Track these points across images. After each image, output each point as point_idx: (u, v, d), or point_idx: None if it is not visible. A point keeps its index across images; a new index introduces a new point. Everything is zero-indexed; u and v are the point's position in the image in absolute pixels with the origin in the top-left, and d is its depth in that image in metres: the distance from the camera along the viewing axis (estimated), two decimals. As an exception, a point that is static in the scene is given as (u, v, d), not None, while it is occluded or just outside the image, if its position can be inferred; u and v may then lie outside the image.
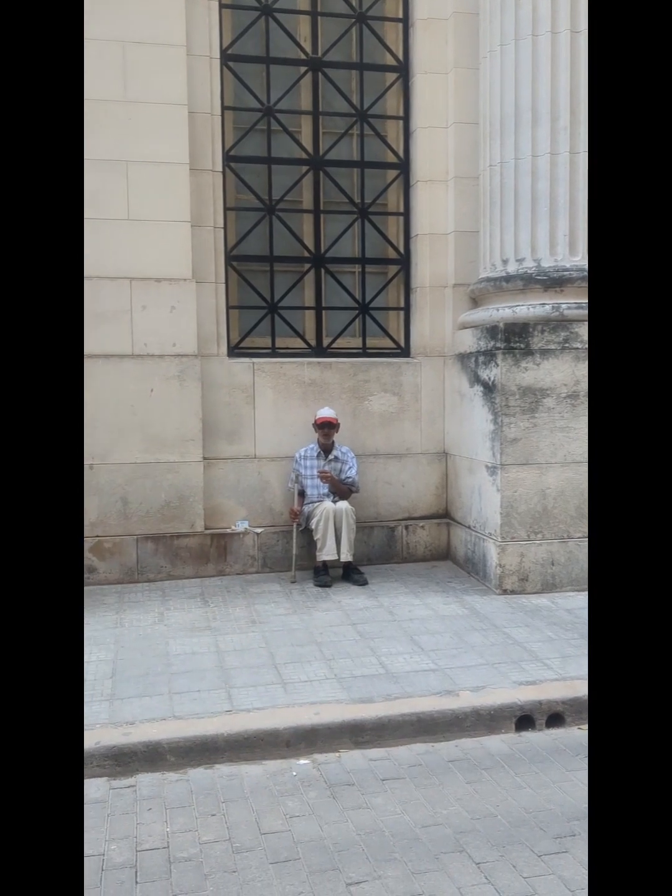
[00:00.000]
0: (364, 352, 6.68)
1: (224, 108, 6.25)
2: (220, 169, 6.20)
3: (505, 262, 5.93)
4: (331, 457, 6.09)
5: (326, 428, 6.00)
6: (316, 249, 6.60)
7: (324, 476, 5.96)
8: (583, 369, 5.62)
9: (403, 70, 6.62)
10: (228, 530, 6.22)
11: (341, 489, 6.06)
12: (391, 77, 6.65)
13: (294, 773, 3.48)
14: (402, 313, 6.81)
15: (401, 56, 6.61)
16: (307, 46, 6.48)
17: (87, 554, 5.87)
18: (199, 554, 6.11)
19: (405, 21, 6.58)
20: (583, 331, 5.64)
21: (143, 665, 4.35)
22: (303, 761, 3.58)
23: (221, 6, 6.18)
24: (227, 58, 6.28)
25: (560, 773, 3.47)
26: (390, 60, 6.64)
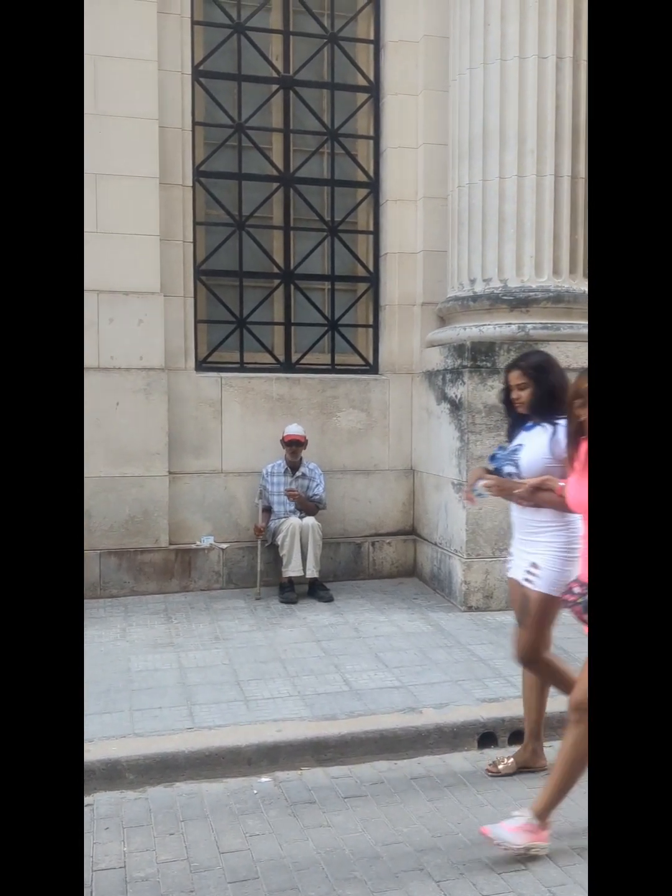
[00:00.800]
0: (332, 368, 6.70)
1: (195, 123, 6.27)
2: (191, 184, 6.21)
3: (472, 281, 5.99)
4: (298, 473, 6.08)
5: (294, 446, 5.99)
6: (285, 265, 6.61)
7: (291, 494, 5.95)
8: (548, 388, 5.66)
9: (374, 90, 6.69)
10: (193, 546, 6.17)
11: (308, 506, 6.04)
12: (362, 97, 6.72)
13: (255, 791, 3.44)
14: (370, 330, 6.85)
15: (372, 77, 6.69)
16: (279, 65, 6.53)
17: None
18: (163, 569, 6.06)
19: (376, 43, 6.66)
20: (548, 350, 5.68)
21: (103, 681, 4.29)
22: (264, 779, 3.55)
23: (194, 23, 6.21)
24: (198, 74, 6.30)
25: (522, 790, 3.46)
26: (361, 81, 6.70)
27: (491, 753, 3.80)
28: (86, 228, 5.73)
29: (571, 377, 5.55)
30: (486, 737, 3.87)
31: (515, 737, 3.89)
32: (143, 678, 4.36)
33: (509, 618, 5.48)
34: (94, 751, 3.51)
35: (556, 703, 4.08)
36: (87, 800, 3.34)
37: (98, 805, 3.31)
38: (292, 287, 6.65)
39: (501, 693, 4.17)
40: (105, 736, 3.64)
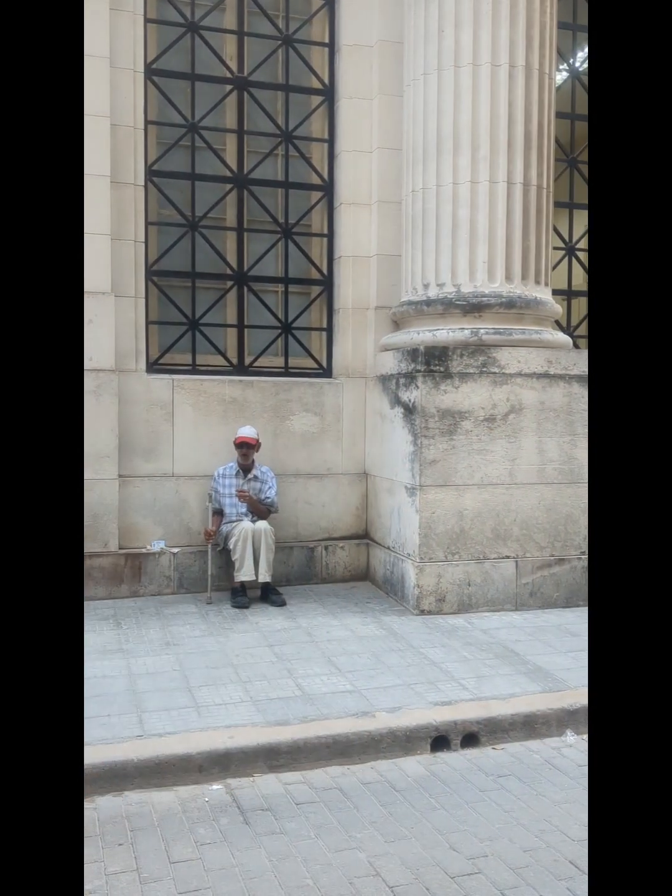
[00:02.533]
0: (286, 371, 6.67)
1: (147, 122, 6.19)
2: (143, 183, 6.13)
3: (426, 286, 6.02)
4: (250, 476, 6.03)
5: (244, 448, 5.94)
6: (239, 267, 6.57)
7: (242, 495, 5.90)
8: (500, 393, 5.73)
9: (329, 94, 6.68)
10: (144, 550, 6.08)
11: (260, 509, 6.00)
12: (316, 100, 6.71)
13: (206, 799, 3.39)
14: (324, 334, 6.83)
15: (326, 80, 6.68)
16: (233, 65, 6.48)
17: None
18: (112, 574, 5.95)
19: (331, 46, 6.66)
20: (500, 355, 5.75)
21: (50, 689, 4.19)
22: (216, 787, 3.49)
23: (147, 20, 6.13)
24: (151, 72, 6.23)
25: (474, 793, 3.47)
26: (316, 84, 6.69)
27: (443, 756, 3.80)
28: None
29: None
30: (439, 740, 3.87)
31: (468, 740, 3.90)
32: (91, 685, 4.27)
33: (461, 621, 5.52)
34: (40, 761, 3.42)
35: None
36: (32, 811, 3.25)
37: (44, 816, 3.23)
38: (245, 289, 6.60)
39: (454, 696, 4.18)
40: (51, 745, 3.55)
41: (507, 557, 5.80)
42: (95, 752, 3.50)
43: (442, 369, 5.66)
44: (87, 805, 3.31)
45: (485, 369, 5.73)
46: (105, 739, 3.62)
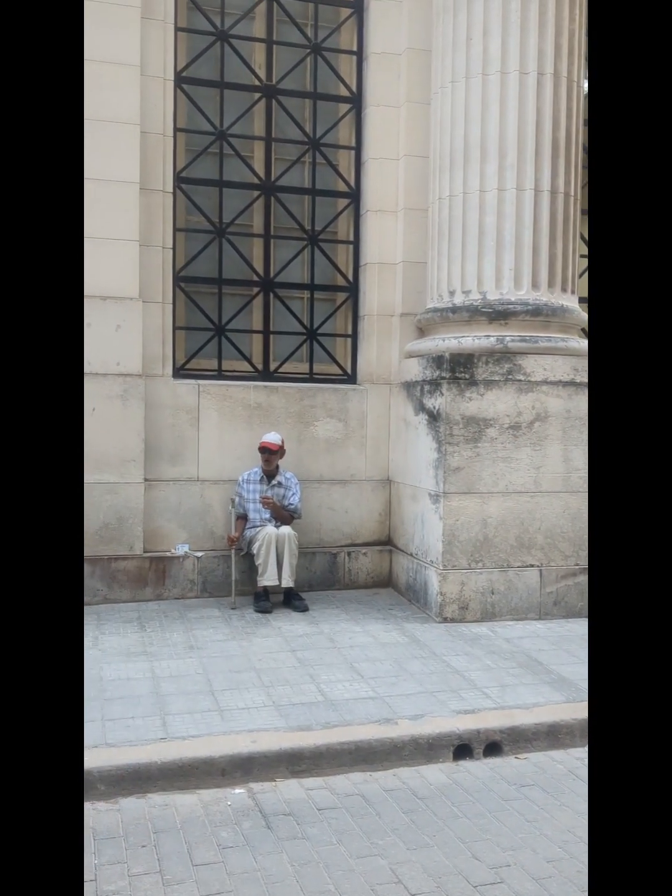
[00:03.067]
0: (311, 377, 6.69)
1: (176, 129, 6.25)
2: (171, 190, 6.19)
3: (452, 293, 6.02)
4: (274, 482, 6.05)
5: (266, 453, 5.96)
6: (265, 274, 6.60)
7: (266, 501, 5.92)
8: (525, 401, 5.71)
9: (356, 101, 6.71)
10: (168, 554, 6.12)
11: (283, 515, 6.02)
12: (344, 108, 6.74)
13: (229, 803, 3.40)
14: (349, 340, 6.85)
15: (354, 88, 6.71)
16: (262, 73, 6.53)
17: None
18: (136, 577, 5.99)
19: (359, 54, 6.69)
20: (526, 363, 5.74)
21: (75, 690, 4.23)
22: (238, 791, 3.51)
23: (177, 29, 6.19)
24: (181, 80, 6.29)
25: (497, 803, 3.46)
26: (344, 91, 6.73)
27: (466, 765, 3.79)
28: (64, 232, 5.68)
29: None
30: (462, 748, 3.86)
31: (491, 749, 3.89)
32: (115, 687, 4.30)
33: (485, 629, 5.50)
34: (65, 761, 3.45)
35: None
36: (57, 811, 3.28)
37: (68, 817, 3.26)
38: (272, 295, 6.64)
39: (477, 705, 4.16)
40: (76, 746, 3.58)
41: (532, 566, 5.77)
42: (120, 754, 3.53)
43: (467, 376, 5.65)
44: (110, 806, 3.34)
45: (510, 377, 5.71)
46: (129, 741, 3.65)
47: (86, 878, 2.84)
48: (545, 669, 4.72)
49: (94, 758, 3.49)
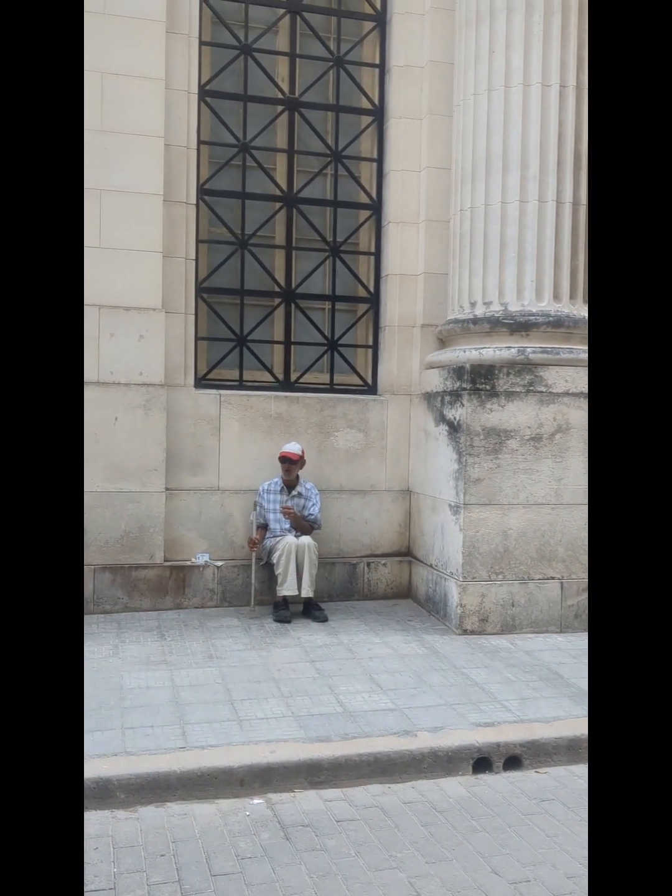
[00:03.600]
0: (331, 388, 6.71)
1: (200, 142, 6.31)
2: (194, 202, 6.24)
3: (473, 304, 6.02)
4: (294, 492, 6.07)
5: (287, 463, 5.97)
6: (286, 285, 6.64)
7: (287, 512, 5.94)
8: (546, 412, 5.69)
9: (378, 114, 6.75)
10: (188, 563, 6.14)
11: (303, 525, 6.03)
12: (366, 120, 6.77)
13: (247, 813, 3.40)
14: (370, 351, 6.86)
15: (376, 100, 6.75)
16: (284, 86, 6.58)
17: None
18: (157, 586, 6.02)
19: (382, 67, 6.73)
20: (547, 374, 5.72)
21: (95, 698, 4.25)
22: (257, 801, 3.51)
23: (201, 43, 6.26)
24: (204, 93, 6.35)
25: (517, 817, 3.43)
26: (366, 104, 6.76)
27: (486, 778, 3.77)
28: (89, 243, 5.75)
29: (571, 401, 5.56)
30: (481, 762, 3.84)
31: (511, 762, 3.86)
32: (135, 696, 4.32)
33: (505, 642, 5.47)
34: (85, 769, 3.46)
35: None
36: (77, 819, 3.29)
37: (88, 824, 3.27)
38: (293, 306, 6.67)
39: (497, 717, 4.14)
40: (96, 754, 3.60)
41: (552, 578, 5.74)
42: (139, 763, 3.55)
43: (488, 387, 5.65)
44: (130, 815, 3.35)
45: (531, 388, 5.70)
46: (149, 750, 3.66)
47: (105, 886, 2.85)
48: (566, 683, 4.69)
49: (114, 766, 3.50)
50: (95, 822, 3.29)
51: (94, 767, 3.48)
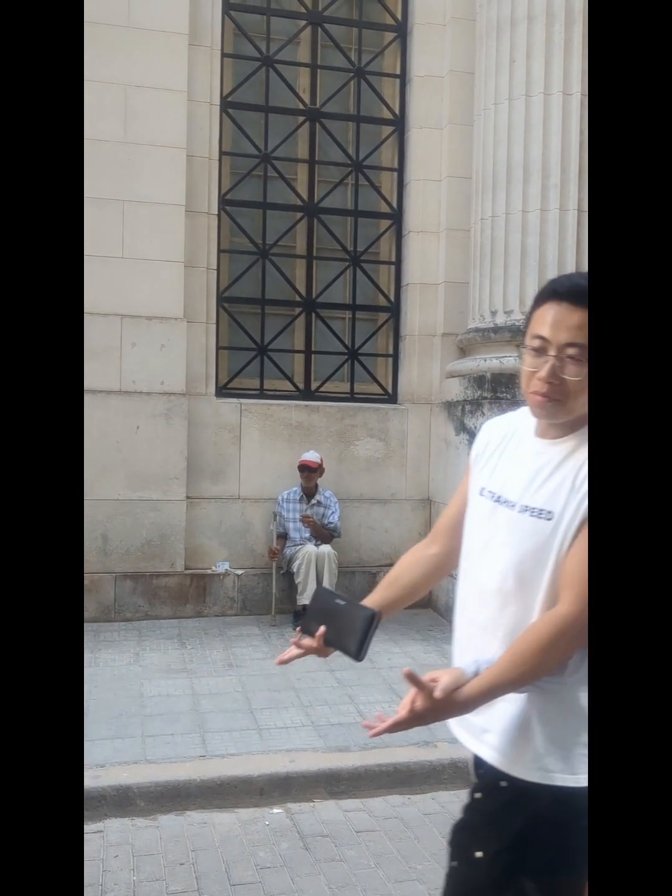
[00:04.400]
0: (352, 397, 6.71)
1: (222, 153, 6.36)
2: (216, 212, 6.28)
3: (494, 313, 6.01)
4: (313, 501, 6.07)
5: (306, 471, 5.99)
6: (307, 294, 6.66)
7: (306, 520, 5.94)
8: (568, 422, 5.66)
9: (399, 124, 6.77)
10: (209, 571, 6.16)
11: (323, 534, 6.03)
12: (387, 130, 6.79)
13: (267, 823, 3.40)
14: (390, 360, 6.86)
15: (397, 110, 6.77)
16: (306, 97, 6.62)
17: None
18: (177, 594, 6.04)
19: (402, 77, 6.75)
20: (569, 384, 5.69)
21: (116, 706, 4.27)
22: (276, 810, 3.51)
23: (223, 55, 6.32)
24: (226, 105, 6.40)
25: (537, 829, 3.40)
26: (387, 114, 6.78)
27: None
28: (112, 254, 5.80)
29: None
30: (502, 773, 3.81)
31: (531, 774, 3.83)
32: (155, 704, 4.34)
33: (525, 652, 5.43)
34: (106, 777, 3.48)
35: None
36: (97, 826, 3.31)
37: (108, 832, 3.28)
38: (314, 315, 6.69)
39: (517, 729, 4.11)
40: (117, 762, 3.61)
41: (574, 589, 5.69)
42: (160, 771, 3.56)
43: (509, 397, 5.63)
44: (149, 823, 3.36)
45: (552, 397, 5.67)
46: (169, 758, 3.67)
47: (124, 894, 2.86)
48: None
49: (134, 774, 3.52)
50: (115, 830, 3.30)
51: (115, 775, 3.50)
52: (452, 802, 3.61)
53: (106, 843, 3.20)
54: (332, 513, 6.10)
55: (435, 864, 3.12)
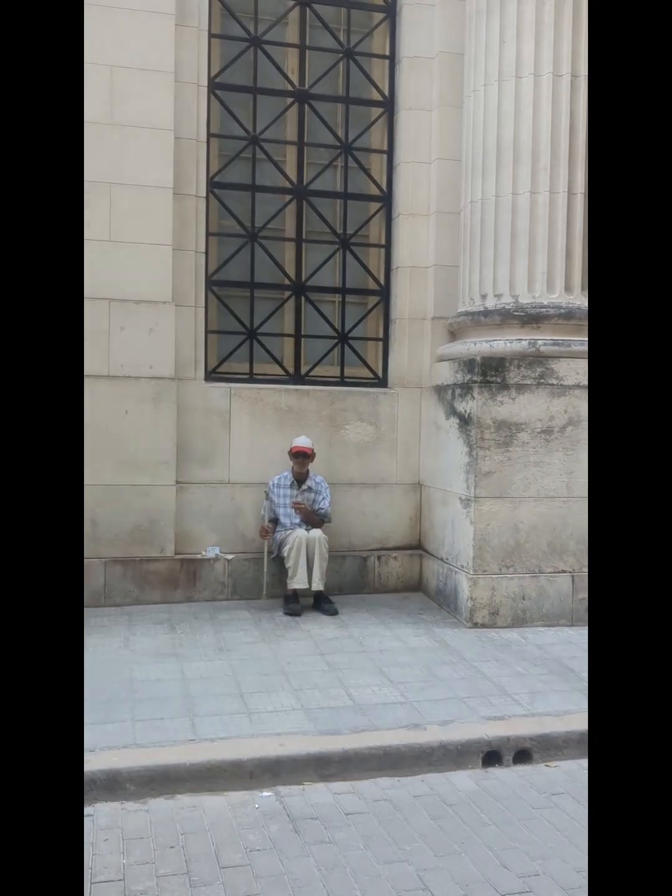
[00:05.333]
0: (342, 381, 6.69)
1: (210, 135, 6.30)
2: (204, 195, 6.23)
3: (484, 296, 5.99)
4: (304, 487, 6.06)
5: (301, 457, 5.97)
6: (297, 277, 6.62)
7: (298, 507, 5.94)
8: (557, 405, 5.66)
9: (388, 105, 6.71)
10: (199, 556, 6.16)
11: (314, 520, 6.02)
12: (376, 112, 6.74)
13: (256, 806, 3.41)
14: (380, 344, 6.84)
15: (386, 92, 6.71)
16: (294, 78, 6.56)
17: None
18: (167, 579, 6.03)
19: (392, 58, 6.69)
20: (558, 367, 5.69)
21: (106, 691, 4.27)
22: (266, 793, 3.51)
23: (211, 35, 6.24)
24: (214, 86, 6.33)
25: (527, 811, 3.43)
26: (376, 96, 6.73)
27: (495, 772, 3.76)
28: (100, 237, 5.75)
29: (583, 394, 5.53)
30: (492, 755, 3.83)
31: (521, 756, 3.86)
32: (145, 688, 4.34)
33: (515, 635, 5.46)
34: (96, 761, 3.48)
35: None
36: (87, 810, 3.31)
37: (98, 816, 3.29)
38: (303, 299, 6.65)
39: (507, 711, 4.13)
40: (106, 746, 3.61)
41: (564, 572, 5.72)
42: (149, 755, 3.56)
43: (498, 380, 5.62)
44: (139, 806, 3.37)
45: (542, 381, 5.67)
46: (159, 742, 3.67)
47: (114, 877, 2.87)
48: (577, 677, 4.67)
49: (124, 758, 3.52)
50: (105, 813, 3.31)
51: (105, 759, 3.50)
52: (442, 784, 3.64)
53: (96, 827, 3.20)
54: (324, 498, 6.09)
55: (424, 845, 3.13)
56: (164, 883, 2.85)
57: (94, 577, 5.84)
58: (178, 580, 6.06)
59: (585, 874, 2.96)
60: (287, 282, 6.62)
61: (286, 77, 6.54)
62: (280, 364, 6.61)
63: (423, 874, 2.94)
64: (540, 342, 5.74)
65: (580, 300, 5.83)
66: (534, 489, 5.64)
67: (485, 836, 3.21)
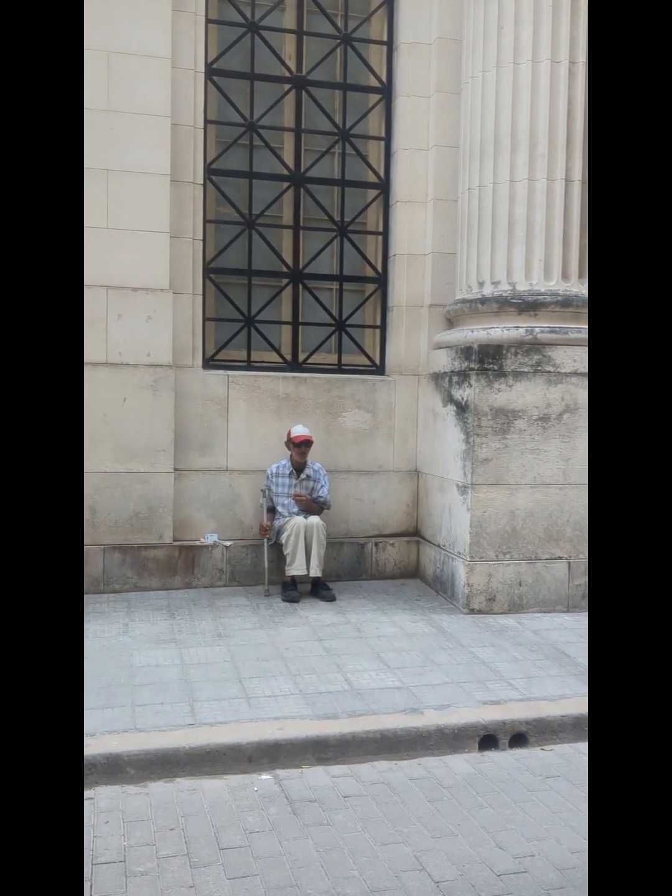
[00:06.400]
0: (339, 368, 6.70)
1: (207, 121, 6.28)
2: (201, 182, 6.22)
3: (481, 284, 5.99)
4: (303, 475, 6.08)
5: (303, 447, 5.98)
6: (294, 265, 6.62)
7: (298, 499, 5.96)
8: (554, 392, 5.68)
9: (386, 92, 6.69)
10: (197, 543, 6.18)
11: (313, 508, 6.05)
12: (374, 98, 6.72)
13: (255, 789, 3.45)
14: (377, 331, 6.85)
15: (384, 78, 6.69)
16: (292, 64, 6.54)
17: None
18: (166, 566, 6.07)
19: (389, 44, 6.67)
20: (555, 354, 5.71)
21: (105, 676, 4.30)
22: (264, 777, 3.55)
23: (208, 21, 6.22)
24: (211, 72, 6.31)
25: (522, 793, 3.47)
26: (374, 82, 6.71)
27: (491, 755, 3.81)
28: (96, 224, 5.74)
29: (579, 381, 5.55)
30: (488, 739, 3.87)
31: (517, 740, 3.90)
32: (145, 673, 4.37)
33: (512, 621, 5.50)
34: (96, 745, 3.52)
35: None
36: (87, 793, 3.35)
37: (99, 799, 3.32)
38: (300, 286, 6.66)
39: (503, 696, 4.17)
40: (106, 730, 3.65)
41: (560, 558, 5.76)
42: (149, 739, 3.59)
43: (495, 368, 5.64)
44: (140, 790, 3.41)
45: (539, 368, 5.69)
46: (158, 727, 3.71)
47: (115, 859, 2.91)
48: (572, 662, 4.71)
49: (124, 742, 3.56)
50: (106, 796, 3.34)
51: (105, 743, 3.53)
52: (439, 768, 3.68)
53: (97, 810, 3.24)
54: (322, 486, 6.11)
55: (421, 827, 3.18)
56: (165, 864, 2.89)
57: (93, 563, 5.87)
58: (177, 567, 6.10)
59: (579, 855, 3.00)
60: (284, 269, 6.62)
61: (283, 63, 6.52)
62: (278, 351, 6.62)
63: (420, 855, 2.98)
64: (537, 330, 5.76)
65: (577, 288, 5.84)
66: (530, 476, 5.67)
67: (481, 818, 3.25)
